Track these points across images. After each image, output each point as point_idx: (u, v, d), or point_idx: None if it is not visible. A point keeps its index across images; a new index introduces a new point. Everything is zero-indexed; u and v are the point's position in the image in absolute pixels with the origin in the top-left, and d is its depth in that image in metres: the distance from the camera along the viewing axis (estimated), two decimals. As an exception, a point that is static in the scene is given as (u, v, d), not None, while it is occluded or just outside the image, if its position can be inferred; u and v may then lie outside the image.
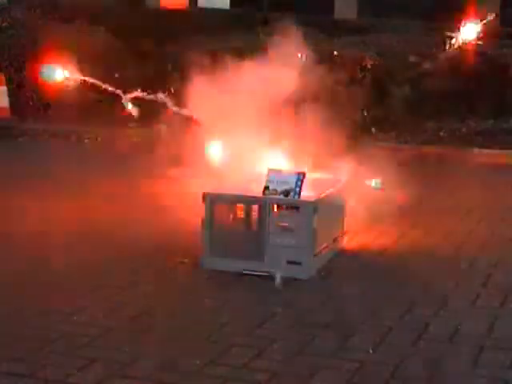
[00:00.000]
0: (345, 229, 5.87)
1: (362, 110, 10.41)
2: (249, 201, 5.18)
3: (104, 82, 6.49)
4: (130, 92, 6.24)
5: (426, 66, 10.27)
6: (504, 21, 14.11)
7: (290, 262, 5.10)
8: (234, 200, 5.20)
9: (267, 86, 5.62)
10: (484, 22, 6.42)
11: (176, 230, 5.48)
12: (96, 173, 7.86)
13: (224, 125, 5.64)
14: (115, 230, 5.97)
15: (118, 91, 6.28)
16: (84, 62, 6.86)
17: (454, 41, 6.54)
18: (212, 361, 3.87)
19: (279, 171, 5.24)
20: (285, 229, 5.10)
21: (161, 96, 6.16)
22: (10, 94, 10.89)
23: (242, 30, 11.70)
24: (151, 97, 6.16)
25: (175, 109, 6.05)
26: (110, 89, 6.36)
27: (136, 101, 6.26)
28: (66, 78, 6.29)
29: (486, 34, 6.59)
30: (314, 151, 5.69)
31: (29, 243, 5.70)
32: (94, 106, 10.24)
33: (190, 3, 15.80)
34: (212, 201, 5.20)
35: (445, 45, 6.85)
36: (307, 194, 5.22)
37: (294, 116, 5.81)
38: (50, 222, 6.32)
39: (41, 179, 7.61)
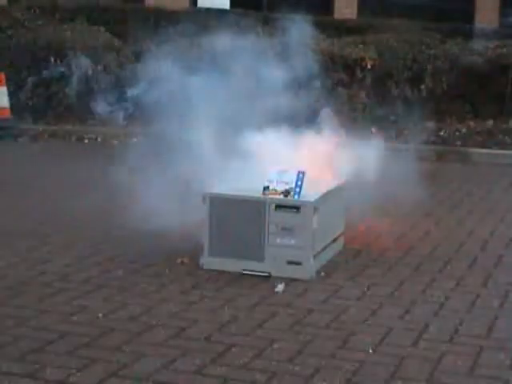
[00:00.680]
0: (344, 229, 5.87)
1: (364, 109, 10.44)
2: (249, 201, 5.18)
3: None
4: None
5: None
6: (504, 21, 14.12)
7: (290, 262, 5.10)
8: (234, 200, 5.20)
9: None
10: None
11: (176, 230, 5.47)
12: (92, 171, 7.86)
13: None
14: (115, 230, 5.97)
15: None
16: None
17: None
18: (212, 361, 3.87)
19: (279, 171, 5.23)
20: (285, 229, 5.10)
21: None
22: (10, 94, 10.87)
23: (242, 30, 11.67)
24: None
25: None
26: None
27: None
28: None
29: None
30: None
31: (29, 243, 5.71)
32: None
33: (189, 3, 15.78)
34: (212, 201, 5.20)
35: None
36: (308, 192, 5.21)
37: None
38: (49, 220, 6.32)
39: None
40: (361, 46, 11.37)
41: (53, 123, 10.92)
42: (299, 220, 5.10)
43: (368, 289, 4.97)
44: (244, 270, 5.15)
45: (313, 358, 3.93)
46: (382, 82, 11.02)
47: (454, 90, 11.10)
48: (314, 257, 5.16)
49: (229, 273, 5.14)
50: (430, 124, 10.61)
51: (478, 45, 11.76)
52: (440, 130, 10.66)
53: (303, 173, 5.18)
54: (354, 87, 10.84)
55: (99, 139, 10.35)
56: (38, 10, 12.74)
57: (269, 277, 5.09)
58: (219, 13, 12.87)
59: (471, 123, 10.90)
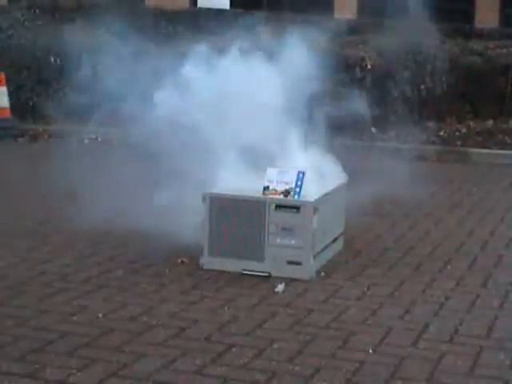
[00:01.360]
0: (344, 229, 5.88)
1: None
2: (249, 201, 5.18)
3: None
4: None
5: None
6: (504, 21, 14.12)
7: (290, 262, 5.10)
8: (233, 200, 5.20)
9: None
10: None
11: (176, 230, 5.47)
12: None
13: None
14: (114, 230, 5.97)
15: None
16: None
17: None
18: (212, 361, 3.87)
19: (279, 171, 5.23)
20: (285, 229, 5.10)
21: None
22: (10, 94, 10.88)
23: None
24: None
25: None
26: None
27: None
28: None
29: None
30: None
31: (29, 243, 5.72)
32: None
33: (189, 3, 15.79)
34: (212, 201, 5.20)
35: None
36: (308, 192, 5.21)
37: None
38: (49, 220, 6.33)
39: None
40: (360, 45, 11.37)
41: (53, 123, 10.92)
42: (299, 220, 5.10)
43: (368, 289, 4.97)
44: (244, 270, 5.15)
45: (313, 358, 3.93)
46: (382, 82, 11.02)
47: (454, 90, 11.10)
48: (314, 257, 5.16)
49: (229, 273, 5.14)
50: (430, 124, 10.61)
51: (478, 45, 11.76)
52: (440, 129, 10.66)
53: (303, 173, 5.19)
54: (353, 87, 10.83)
55: (99, 139, 10.34)
56: (37, 10, 12.75)
57: (269, 277, 5.09)
58: (218, 12, 12.89)
59: (471, 123, 10.90)
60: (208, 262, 5.23)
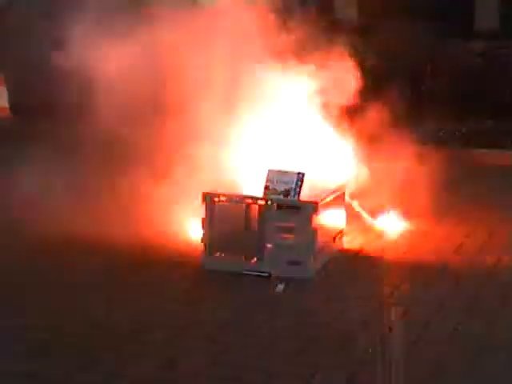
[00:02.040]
0: (345, 229, 5.88)
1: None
2: (249, 201, 5.18)
3: None
4: None
5: None
6: (504, 21, 14.10)
7: (290, 262, 5.10)
8: (233, 200, 5.20)
9: None
10: None
11: (176, 230, 5.49)
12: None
13: None
14: (114, 230, 5.97)
15: None
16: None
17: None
18: (212, 361, 3.87)
19: (279, 171, 5.24)
20: (285, 229, 5.11)
21: None
22: (10, 94, 10.89)
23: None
24: None
25: None
26: None
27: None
28: None
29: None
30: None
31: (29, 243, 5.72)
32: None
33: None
34: (212, 201, 5.20)
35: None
36: (308, 193, 5.22)
37: None
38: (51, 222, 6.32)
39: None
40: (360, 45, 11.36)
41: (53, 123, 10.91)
42: (299, 220, 5.10)
43: (368, 289, 4.97)
44: (244, 270, 5.15)
45: (313, 358, 3.93)
46: (382, 82, 11.01)
47: (453, 90, 11.09)
48: (314, 257, 5.16)
49: (229, 273, 5.14)
50: (430, 124, 10.61)
51: (478, 45, 11.76)
52: (440, 130, 10.66)
53: (303, 174, 5.19)
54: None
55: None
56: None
57: (269, 277, 5.09)
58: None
59: (471, 123, 10.90)
60: (208, 262, 5.23)
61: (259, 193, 5.21)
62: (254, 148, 5.56)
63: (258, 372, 3.77)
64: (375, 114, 6.40)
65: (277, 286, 4.92)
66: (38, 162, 6.31)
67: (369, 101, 6.51)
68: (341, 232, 5.78)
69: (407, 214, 6.80)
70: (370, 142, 6.27)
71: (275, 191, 5.18)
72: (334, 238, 5.63)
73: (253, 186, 5.30)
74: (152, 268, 5.25)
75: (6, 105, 10.85)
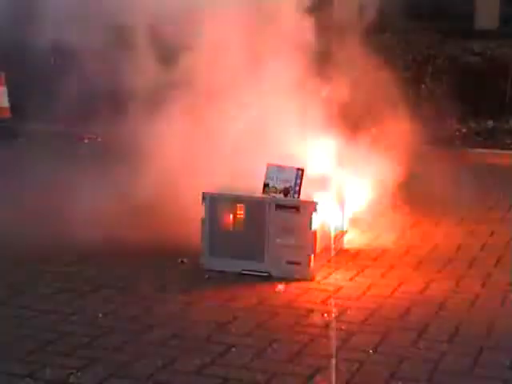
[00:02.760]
0: (345, 228, 5.88)
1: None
2: (249, 201, 5.18)
3: None
4: None
5: None
6: (504, 21, 14.11)
7: (290, 262, 5.10)
8: (234, 200, 5.19)
9: None
10: None
11: (176, 230, 5.48)
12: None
13: None
14: (115, 230, 5.96)
15: None
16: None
17: None
18: (212, 361, 3.87)
19: (278, 167, 5.20)
20: (285, 229, 5.10)
21: None
22: (10, 94, 10.88)
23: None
24: None
25: None
26: None
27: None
28: None
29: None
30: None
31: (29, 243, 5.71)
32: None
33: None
34: (212, 201, 5.20)
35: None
36: (308, 191, 5.21)
37: None
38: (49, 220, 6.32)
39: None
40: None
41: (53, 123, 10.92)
42: (299, 220, 5.10)
43: (368, 289, 4.97)
44: (244, 270, 5.15)
45: (313, 358, 3.93)
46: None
47: (454, 90, 11.10)
48: (314, 257, 5.16)
49: (229, 273, 5.14)
50: (430, 124, 10.60)
51: (478, 45, 11.77)
52: (440, 130, 10.65)
53: (302, 170, 5.17)
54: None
55: (99, 139, 10.33)
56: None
57: (269, 277, 5.09)
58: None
59: (471, 123, 10.91)
60: (208, 262, 5.23)
61: (259, 191, 5.19)
62: (254, 144, 5.55)
63: (258, 372, 3.77)
64: (375, 114, 6.40)
65: (277, 286, 4.92)
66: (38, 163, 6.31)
67: (369, 101, 6.52)
68: (341, 232, 5.78)
69: (407, 213, 6.81)
70: (370, 142, 6.26)
71: (275, 189, 5.17)
72: (334, 238, 5.62)
73: (252, 184, 5.28)
74: (152, 268, 5.24)
75: (6, 105, 10.84)
